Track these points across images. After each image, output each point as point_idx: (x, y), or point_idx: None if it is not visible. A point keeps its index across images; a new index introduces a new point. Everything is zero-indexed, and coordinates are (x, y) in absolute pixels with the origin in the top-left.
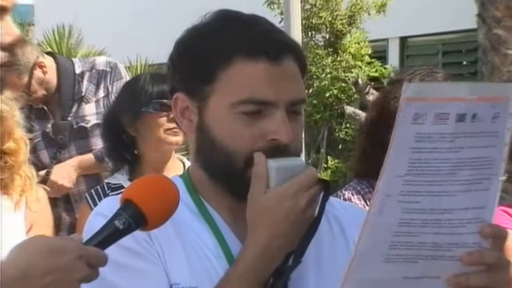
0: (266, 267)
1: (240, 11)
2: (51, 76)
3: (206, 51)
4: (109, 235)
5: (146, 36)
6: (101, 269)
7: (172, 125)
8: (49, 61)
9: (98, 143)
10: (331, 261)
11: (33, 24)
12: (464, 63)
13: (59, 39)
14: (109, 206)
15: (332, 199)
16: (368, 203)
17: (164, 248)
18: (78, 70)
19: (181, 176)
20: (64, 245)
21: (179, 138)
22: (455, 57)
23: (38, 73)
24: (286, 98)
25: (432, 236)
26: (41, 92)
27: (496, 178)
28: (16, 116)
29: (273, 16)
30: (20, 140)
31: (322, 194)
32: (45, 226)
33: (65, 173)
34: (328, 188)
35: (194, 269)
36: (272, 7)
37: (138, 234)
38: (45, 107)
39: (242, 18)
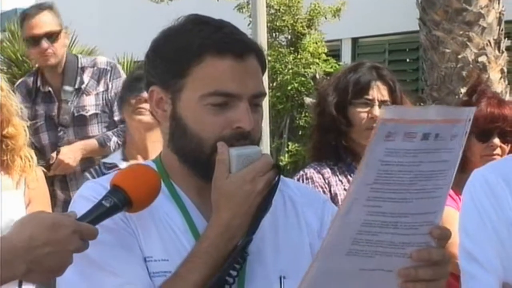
0: (227, 243)
1: (208, 16)
2: (63, 58)
3: (180, 49)
4: (99, 214)
5: (132, 36)
6: None
7: (139, 105)
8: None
9: (94, 130)
10: (285, 236)
11: None
12: (408, 60)
13: None
14: (89, 189)
15: (288, 180)
16: (326, 181)
17: (139, 226)
18: (80, 64)
19: (154, 160)
20: (62, 220)
21: (144, 117)
22: (400, 55)
23: (63, 38)
24: (249, 92)
25: (389, 236)
26: (55, 59)
27: (447, 187)
28: (14, 105)
29: (242, 19)
30: (19, 126)
31: (276, 178)
32: (42, 201)
33: (72, 154)
34: (280, 173)
35: (165, 244)
36: (241, 11)
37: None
38: (51, 90)
39: (211, 22)
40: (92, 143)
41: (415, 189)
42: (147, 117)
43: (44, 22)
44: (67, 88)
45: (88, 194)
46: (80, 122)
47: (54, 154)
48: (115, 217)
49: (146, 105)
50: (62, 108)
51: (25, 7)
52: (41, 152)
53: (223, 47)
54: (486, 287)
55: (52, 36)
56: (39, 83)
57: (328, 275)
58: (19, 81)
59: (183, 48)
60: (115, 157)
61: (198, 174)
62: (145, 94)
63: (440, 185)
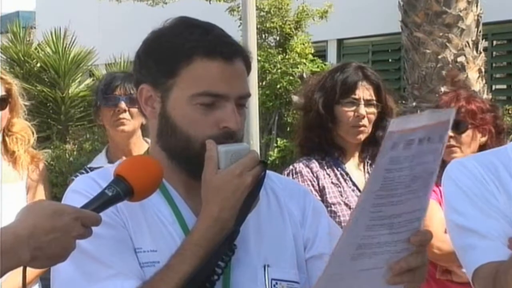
0: (217, 235)
1: (201, 18)
2: None
3: (171, 50)
4: (102, 203)
5: (128, 37)
6: None
7: (119, 116)
8: None
9: None
10: (269, 226)
11: (34, 28)
12: (390, 60)
13: (56, 40)
14: (82, 184)
15: (270, 173)
16: (314, 175)
17: (129, 219)
18: None
19: None
20: (64, 208)
21: (126, 127)
22: (383, 55)
23: None
24: (236, 93)
25: (386, 237)
26: None
27: (432, 183)
28: (21, 104)
29: (233, 21)
30: (27, 128)
31: (262, 172)
32: (40, 191)
33: None
34: (266, 168)
35: (153, 236)
36: (232, 13)
37: None
38: None
39: (200, 24)
40: None
41: (408, 191)
42: (128, 126)
43: None
44: None
45: (80, 189)
46: None
47: None
48: (107, 211)
49: (125, 115)
50: None
51: (27, 10)
52: None
53: (213, 50)
54: (490, 250)
55: None
56: None
57: (334, 279)
58: None
59: (174, 50)
60: (99, 161)
61: (186, 171)
62: (122, 104)
63: (427, 183)
